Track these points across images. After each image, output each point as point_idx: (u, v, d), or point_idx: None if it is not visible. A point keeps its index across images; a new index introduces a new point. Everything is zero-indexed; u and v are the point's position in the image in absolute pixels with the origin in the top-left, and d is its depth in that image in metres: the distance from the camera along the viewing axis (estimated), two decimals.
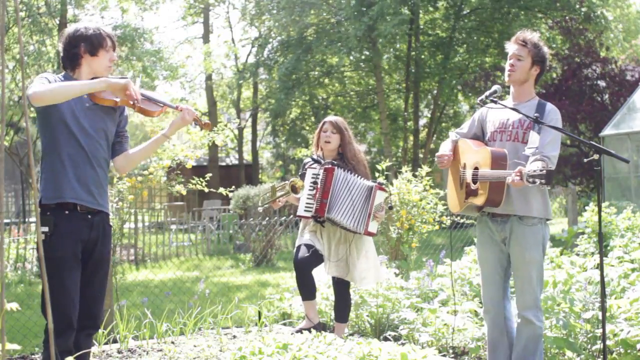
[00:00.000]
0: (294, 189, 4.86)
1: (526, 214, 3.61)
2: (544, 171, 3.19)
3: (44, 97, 3.00)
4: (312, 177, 4.75)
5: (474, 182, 3.64)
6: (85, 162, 3.17)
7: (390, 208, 5.33)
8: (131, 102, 3.24)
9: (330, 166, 4.72)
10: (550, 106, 3.68)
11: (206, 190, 5.68)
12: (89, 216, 3.19)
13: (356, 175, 4.73)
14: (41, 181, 3.17)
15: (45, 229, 3.07)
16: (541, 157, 3.45)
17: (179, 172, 5.74)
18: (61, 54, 3.30)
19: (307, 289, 4.77)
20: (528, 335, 3.66)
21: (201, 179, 5.79)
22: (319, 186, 4.69)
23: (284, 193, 4.94)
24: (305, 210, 4.74)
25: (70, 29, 3.31)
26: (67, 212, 3.12)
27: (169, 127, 3.45)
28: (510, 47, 3.73)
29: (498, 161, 3.52)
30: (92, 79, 3.22)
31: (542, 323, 3.69)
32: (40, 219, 2.94)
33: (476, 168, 3.65)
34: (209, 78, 25.63)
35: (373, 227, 4.67)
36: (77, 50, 3.23)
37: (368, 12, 17.02)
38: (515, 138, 3.66)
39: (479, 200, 3.60)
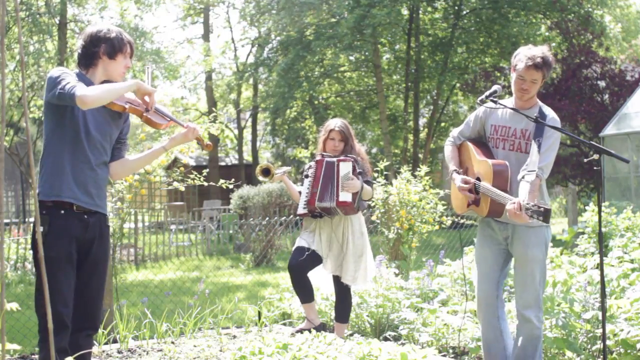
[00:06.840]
0: (265, 172, 5.00)
1: (526, 223, 3.62)
2: (542, 209, 3.27)
3: (95, 101, 2.99)
4: (309, 175, 4.82)
5: (477, 191, 3.71)
6: (86, 163, 3.17)
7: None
8: (141, 110, 3.24)
9: (320, 158, 4.79)
10: (550, 116, 3.66)
11: (205, 184, 5.63)
12: (85, 216, 3.18)
13: (335, 158, 4.74)
14: (41, 176, 3.17)
15: (42, 228, 3.05)
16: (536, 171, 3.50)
17: (176, 169, 5.71)
18: (79, 51, 3.29)
19: (304, 292, 4.78)
20: (526, 336, 3.66)
21: (198, 175, 5.71)
22: (311, 180, 4.78)
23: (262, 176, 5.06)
24: (303, 208, 4.81)
25: (92, 27, 3.31)
26: (62, 211, 3.12)
27: (169, 140, 3.46)
28: (525, 72, 3.58)
29: (499, 176, 3.59)
30: (104, 82, 3.22)
31: (541, 324, 3.69)
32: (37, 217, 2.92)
33: (478, 178, 3.72)
34: (209, 78, 25.61)
35: (344, 196, 4.67)
36: (97, 49, 3.22)
37: (360, 2, 17.18)
38: (519, 148, 3.69)
39: (482, 212, 3.70)
